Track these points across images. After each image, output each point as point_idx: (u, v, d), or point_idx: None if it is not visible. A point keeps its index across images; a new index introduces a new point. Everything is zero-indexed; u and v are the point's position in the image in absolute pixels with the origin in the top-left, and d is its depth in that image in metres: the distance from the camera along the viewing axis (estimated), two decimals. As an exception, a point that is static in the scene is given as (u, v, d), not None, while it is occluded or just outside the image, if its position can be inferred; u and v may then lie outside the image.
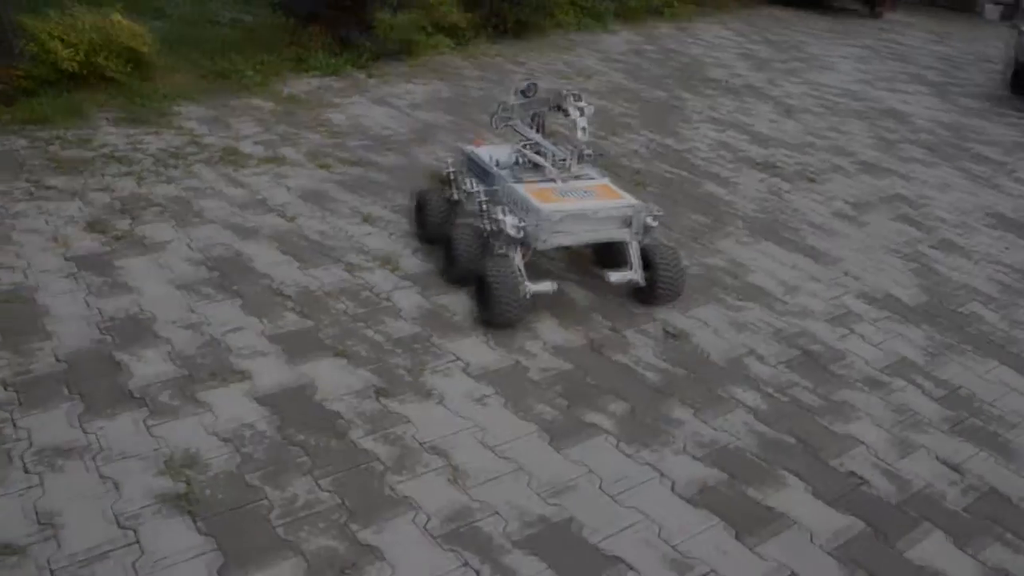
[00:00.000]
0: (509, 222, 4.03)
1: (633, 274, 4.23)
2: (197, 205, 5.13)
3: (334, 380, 3.61)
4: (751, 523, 3.03)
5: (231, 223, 4.95)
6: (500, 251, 4.16)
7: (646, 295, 4.30)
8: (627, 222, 4.17)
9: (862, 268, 5.13)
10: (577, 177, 4.41)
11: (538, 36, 10.22)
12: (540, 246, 4.08)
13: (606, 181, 4.43)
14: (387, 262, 4.63)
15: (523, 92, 4.67)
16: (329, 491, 2.99)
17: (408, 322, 4.09)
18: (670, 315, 4.34)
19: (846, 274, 5.04)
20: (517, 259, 4.07)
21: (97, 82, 6.80)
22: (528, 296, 3.98)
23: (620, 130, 7.22)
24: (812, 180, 6.53)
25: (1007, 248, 5.64)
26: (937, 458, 3.49)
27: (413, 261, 4.68)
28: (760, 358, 4.07)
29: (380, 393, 3.55)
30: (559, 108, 4.42)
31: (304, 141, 6.34)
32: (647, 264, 4.24)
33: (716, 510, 3.07)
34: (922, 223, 5.91)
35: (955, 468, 3.44)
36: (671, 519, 3.00)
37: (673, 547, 2.88)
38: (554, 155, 4.43)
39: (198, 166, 5.74)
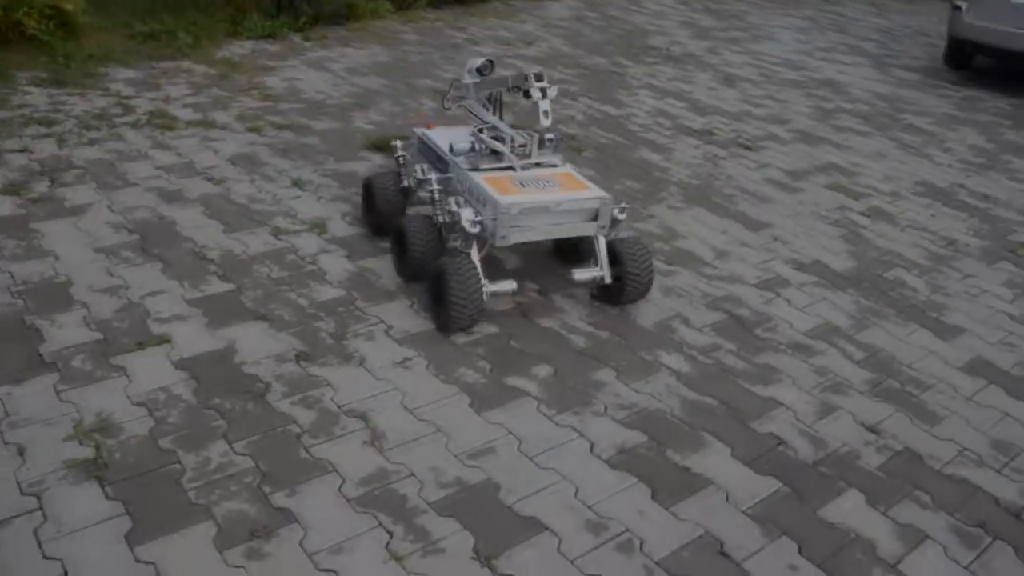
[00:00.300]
0: (465, 215, 3.70)
1: (599, 271, 3.96)
2: (121, 168, 5.00)
3: (255, 344, 3.54)
4: (669, 484, 3.05)
5: (156, 186, 4.83)
6: (455, 244, 3.92)
7: (613, 293, 4.04)
8: (593, 215, 3.88)
9: (793, 234, 5.19)
10: (538, 164, 4.10)
11: (480, 1, 10.10)
12: (499, 242, 3.77)
13: (569, 169, 4.12)
14: (316, 226, 4.56)
15: (478, 70, 4.31)
16: (244, 455, 2.94)
17: (333, 286, 4.03)
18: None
19: (776, 240, 5.09)
20: (474, 255, 3.75)
21: (18, 40, 6.58)
22: (487, 297, 3.72)
23: (559, 96, 7.17)
24: (747, 148, 6.56)
25: (933, 216, 5.74)
26: (855, 419, 3.55)
27: (341, 225, 4.61)
28: (687, 322, 4.09)
29: (301, 357, 3.50)
30: (519, 89, 4.05)
31: (236, 105, 6.20)
32: (614, 260, 3.97)
33: (635, 471, 3.08)
34: (856, 192, 5.99)
35: (872, 429, 3.50)
36: (590, 481, 3.01)
37: (590, 508, 2.89)
38: (513, 140, 4.07)
39: (124, 129, 5.58)
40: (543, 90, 3.95)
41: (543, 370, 3.59)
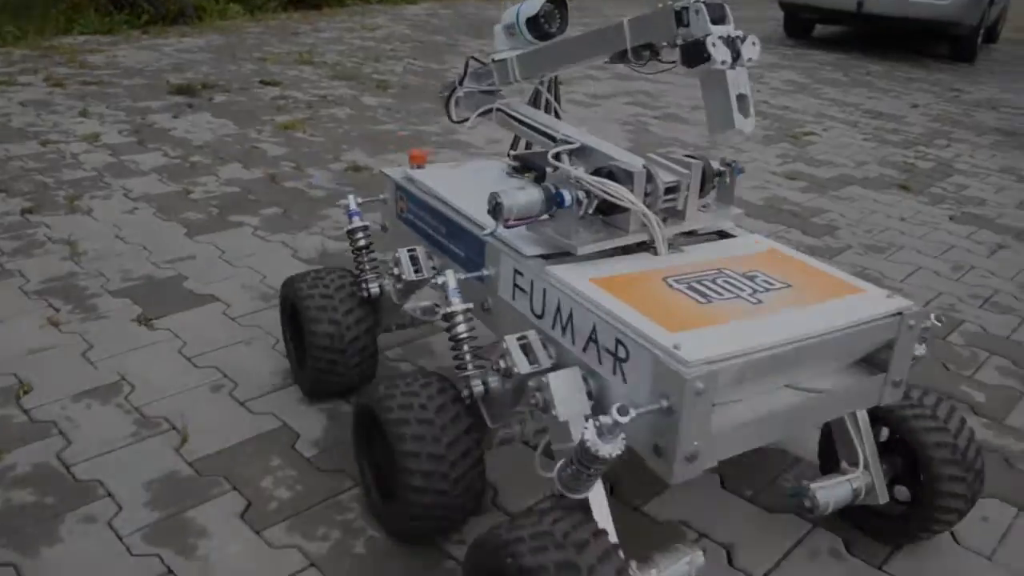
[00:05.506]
0: (570, 408, 1.51)
1: (862, 477, 1.79)
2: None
3: (-21, 207, 3.55)
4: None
5: (-72, 120, 4.83)
6: (560, 487, 1.43)
7: (893, 519, 1.87)
8: (879, 356, 1.65)
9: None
10: (689, 233, 1.84)
11: (337, 5, 10.34)
12: (681, 474, 1.38)
13: (767, 241, 1.90)
14: (88, 139, 4.58)
15: (533, 24, 2.10)
16: (-73, 271, 2.93)
17: (87, 170, 4.05)
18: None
19: (558, 134, 5.22)
20: (598, 505, 1.45)
21: None
22: None
23: (384, 59, 7.36)
24: (561, 83, 6.75)
25: (726, 119, 5.94)
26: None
27: (119, 138, 4.64)
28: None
29: (26, 211, 3.50)
30: (651, 52, 1.79)
31: (49, 72, 6.23)
32: (890, 444, 1.86)
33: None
34: (655, 106, 6.19)
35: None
36: (275, 272, 3.00)
37: (261, 282, 2.92)
38: (653, 178, 1.67)
39: (-82, 88, 5.57)
40: (732, 41, 1.61)
41: (273, 211, 3.64)
